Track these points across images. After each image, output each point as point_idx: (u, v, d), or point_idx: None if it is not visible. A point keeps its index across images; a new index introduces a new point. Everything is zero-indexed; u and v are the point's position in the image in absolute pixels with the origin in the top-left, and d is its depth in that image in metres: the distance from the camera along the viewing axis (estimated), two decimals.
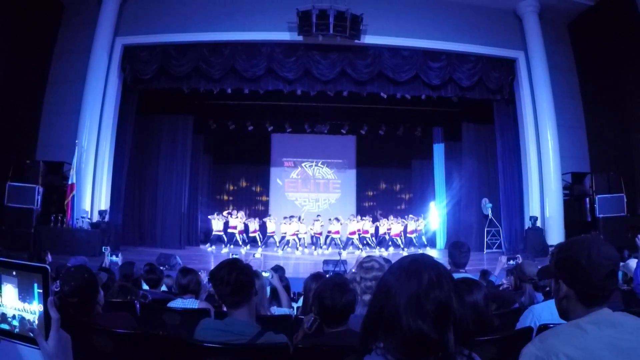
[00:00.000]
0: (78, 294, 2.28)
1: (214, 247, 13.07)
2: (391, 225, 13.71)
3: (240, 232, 13.43)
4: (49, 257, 6.11)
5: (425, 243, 14.22)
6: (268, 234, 13.93)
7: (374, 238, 13.95)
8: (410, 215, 14.24)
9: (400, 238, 13.65)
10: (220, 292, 2.15)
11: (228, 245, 12.92)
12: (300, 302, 4.14)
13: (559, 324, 2.10)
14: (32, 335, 1.05)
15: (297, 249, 13.19)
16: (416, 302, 0.99)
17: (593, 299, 1.29)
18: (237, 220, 13.49)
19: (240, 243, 13.26)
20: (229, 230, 13.29)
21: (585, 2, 11.45)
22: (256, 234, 13.76)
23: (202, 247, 13.69)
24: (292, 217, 13.65)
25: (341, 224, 13.62)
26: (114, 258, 6.36)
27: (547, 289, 3.54)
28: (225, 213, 13.82)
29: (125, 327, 2.18)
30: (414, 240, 13.68)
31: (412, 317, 0.98)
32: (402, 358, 1.00)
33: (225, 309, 2.35)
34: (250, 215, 14.65)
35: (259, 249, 12.86)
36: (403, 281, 1.03)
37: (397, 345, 1.00)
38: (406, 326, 0.98)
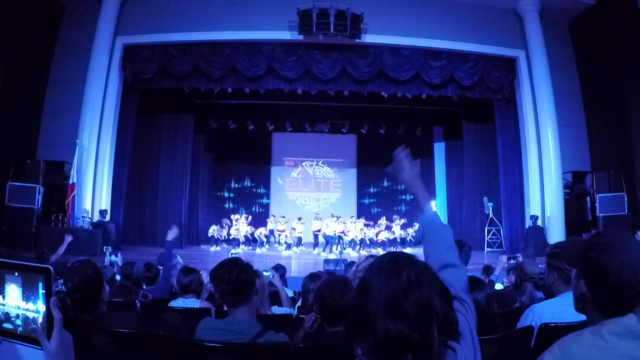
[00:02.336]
0: (81, 290, 2.26)
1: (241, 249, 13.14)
2: (394, 228, 13.77)
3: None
4: (51, 258, 6.11)
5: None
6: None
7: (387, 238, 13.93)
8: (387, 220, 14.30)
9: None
10: (221, 290, 2.14)
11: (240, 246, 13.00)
12: (300, 302, 4.14)
13: (561, 323, 2.10)
14: (35, 335, 1.06)
15: (282, 245, 13.30)
16: (395, 304, 0.94)
17: (611, 311, 1.17)
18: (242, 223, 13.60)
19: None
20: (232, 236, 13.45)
21: (586, 1, 11.43)
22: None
23: (202, 246, 13.71)
24: (296, 217, 13.80)
25: (344, 223, 13.62)
26: (113, 258, 6.37)
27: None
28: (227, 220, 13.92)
29: (129, 327, 2.17)
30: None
31: (390, 320, 0.93)
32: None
33: (226, 308, 2.35)
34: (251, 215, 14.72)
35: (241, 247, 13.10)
36: (382, 281, 0.98)
37: (371, 347, 0.95)
38: (383, 329, 0.93)
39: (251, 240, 13.83)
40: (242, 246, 13.23)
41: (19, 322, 1.08)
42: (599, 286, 1.19)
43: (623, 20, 10.49)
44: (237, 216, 14.00)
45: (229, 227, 13.71)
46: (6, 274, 1.08)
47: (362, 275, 1.07)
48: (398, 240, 13.72)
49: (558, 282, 2.31)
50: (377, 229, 13.86)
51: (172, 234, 4.53)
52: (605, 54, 11.36)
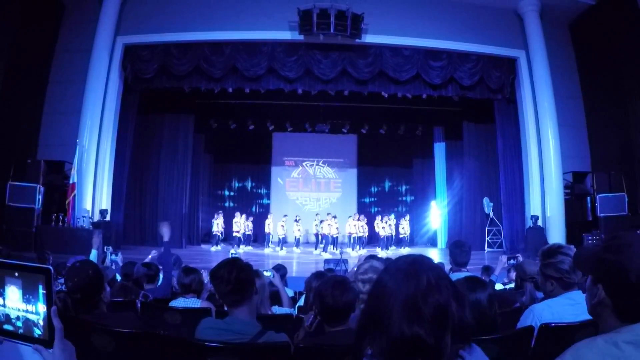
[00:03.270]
0: (81, 290, 2.27)
1: (219, 246, 13.17)
2: (387, 224, 13.85)
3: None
4: (50, 258, 6.11)
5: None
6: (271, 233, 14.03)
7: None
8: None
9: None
10: (221, 290, 2.15)
11: (235, 246, 13.00)
12: (301, 302, 4.14)
13: (561, 323, 2.10)
14: (36, 345, 1.05)
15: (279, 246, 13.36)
16: (413, 306, 0.94)
17: (632, 316, 1.12)
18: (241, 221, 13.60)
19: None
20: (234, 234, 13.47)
21: (587, 2, 11.42)
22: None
23: (203, 246, 13.71)
24: (296, 216, 13.82)
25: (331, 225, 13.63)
26: (114, 257, 6.38)
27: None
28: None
29: (130, 327, 2.17)
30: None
31: (406, 322, 0.93)
32: None
33: (226, 308, 2.35)
34: (250, 215, 14.72)
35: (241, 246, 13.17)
36: (400, 283, 0.98)
37: (383, 349, 0.95)
38: (398, 331, 0.93)
39: (252, 240, 13.86)
40: (242, 246, 13.25)
41: (19, 323, 1.07)
42: (618, 288, 1.14)
43: (623, 20, 10.47)
44: (237, 217, 13.98)
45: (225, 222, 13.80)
46: (6, 276, 1.07)
47: (377, 277, 1.07)
48: (393, 238, 13.80)
49: (558, 289, 2.31)
50: (381, 224, 13.90)
51: (166, 232, 4.49)
52: (605, 55, 11.34)
